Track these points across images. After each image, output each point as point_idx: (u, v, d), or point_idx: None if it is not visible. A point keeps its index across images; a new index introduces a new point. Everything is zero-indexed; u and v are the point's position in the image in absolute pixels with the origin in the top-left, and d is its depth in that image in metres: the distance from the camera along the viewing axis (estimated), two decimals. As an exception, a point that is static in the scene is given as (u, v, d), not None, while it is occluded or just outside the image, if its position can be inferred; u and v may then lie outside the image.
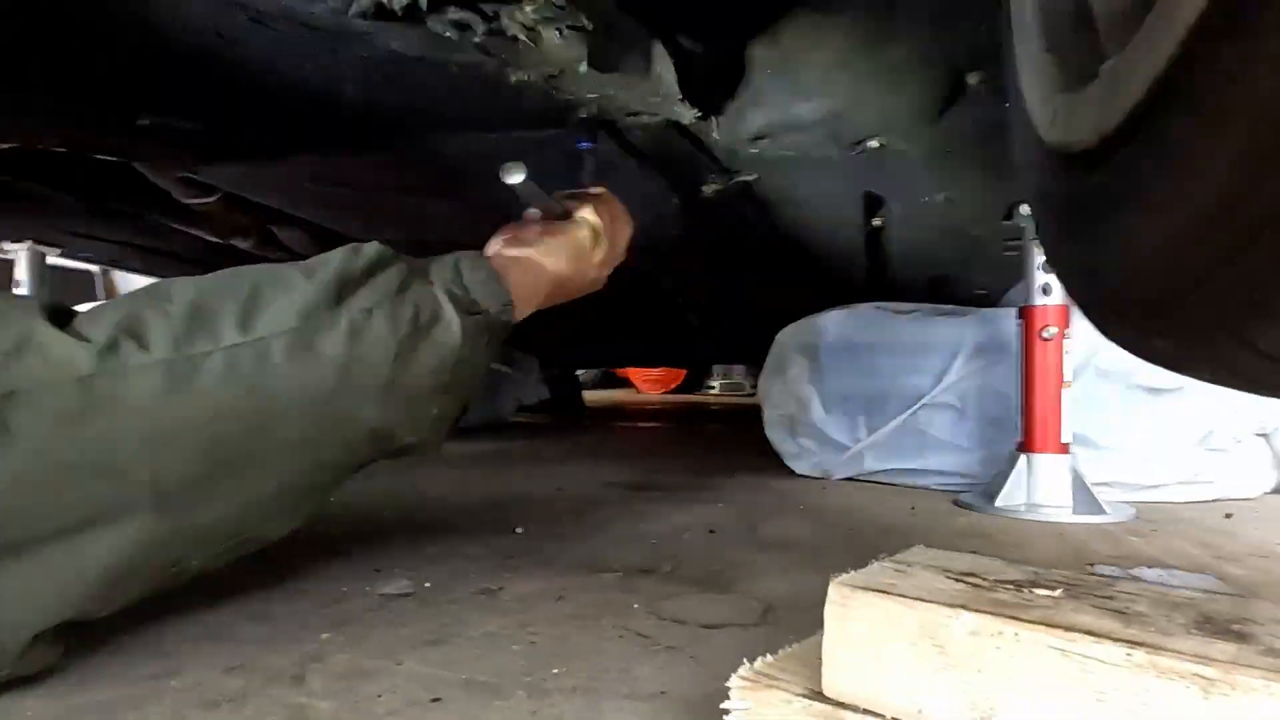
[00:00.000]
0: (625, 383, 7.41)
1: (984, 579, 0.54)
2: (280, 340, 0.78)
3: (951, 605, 0.48)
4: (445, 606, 0.94)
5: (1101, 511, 1.54)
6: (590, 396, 5.63)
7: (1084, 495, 1.57)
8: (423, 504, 1.64)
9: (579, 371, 5.07)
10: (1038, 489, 1.59)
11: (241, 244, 2.03)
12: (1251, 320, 0.37)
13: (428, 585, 1.03)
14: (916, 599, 0.50)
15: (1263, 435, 1.77)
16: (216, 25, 0.99)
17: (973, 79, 1.22)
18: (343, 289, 0.84)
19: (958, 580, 0.54)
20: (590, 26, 0.95)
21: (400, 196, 1.72)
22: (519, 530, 1.37)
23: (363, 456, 0.89)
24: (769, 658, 0.58)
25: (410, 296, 0.88)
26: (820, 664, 0.54)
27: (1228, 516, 1.59)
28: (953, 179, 1.55)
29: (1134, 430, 1.72)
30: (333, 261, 0.86)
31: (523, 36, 0.95)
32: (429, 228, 1.90)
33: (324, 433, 0.82)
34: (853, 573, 0.55)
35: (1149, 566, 1.22)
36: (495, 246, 1.05)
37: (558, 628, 0.86)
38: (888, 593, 0.51)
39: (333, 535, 1.32)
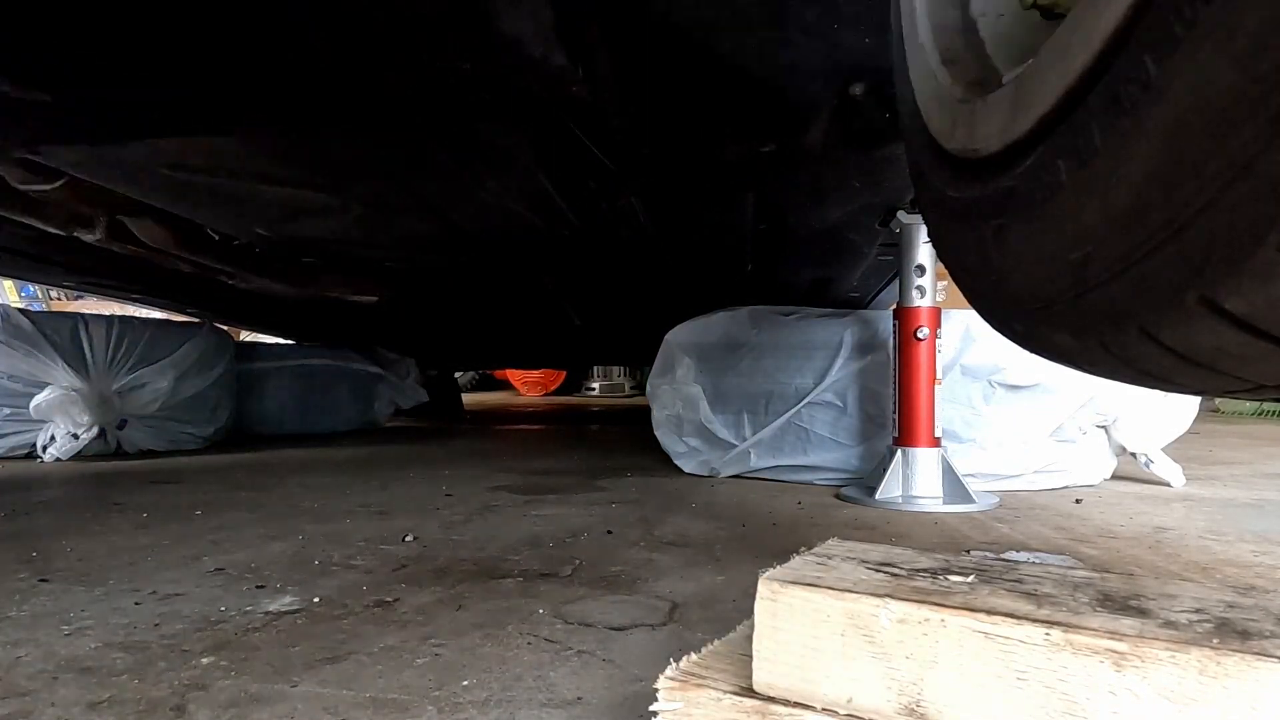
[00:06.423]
0: (504, 385, 7.32)
1: (900, 568, 0.56)
2: None
3: (878, 595, 0.49)
4: (338, 622, 0.88)
5: (970, 501, 1.64)
6: (469, 399, 5.51)
7: (954, 486, 1.67)
8: (301, 513, 1.55)
9: (456, 374, 4.96)
10: (913, 481, 1.68)
11: (86, 236, 1.84)
12: (1159, 315, 0.40)
13: (316, 600, 0.96)
14: (844, 590, 0.50)
15: (1103, 427, 1.94)
16: None
17: (856, 89, 1.26)
18: None
19: (876, 570, 0.56)
20: None
21: (271, 187, 1.61)
22: (408, 538, 1.32)
23: None
24: (694, 656, 0.58)
25: None
26: (745, 659, 0.54)
27: (1077, 502, 1.73)
28: (834, 185, 1.61)
29: (995, 424, 1.84)
30: None
31: None
32: (302, 225, 1.80)
33: None
34: (779, 567, 0.55)
35: (1016, 550, 1.31)
36: None
37: (462, 638, 0.83)
38: (816, 585, 0.51)
39: (201, 551, 1.22)
